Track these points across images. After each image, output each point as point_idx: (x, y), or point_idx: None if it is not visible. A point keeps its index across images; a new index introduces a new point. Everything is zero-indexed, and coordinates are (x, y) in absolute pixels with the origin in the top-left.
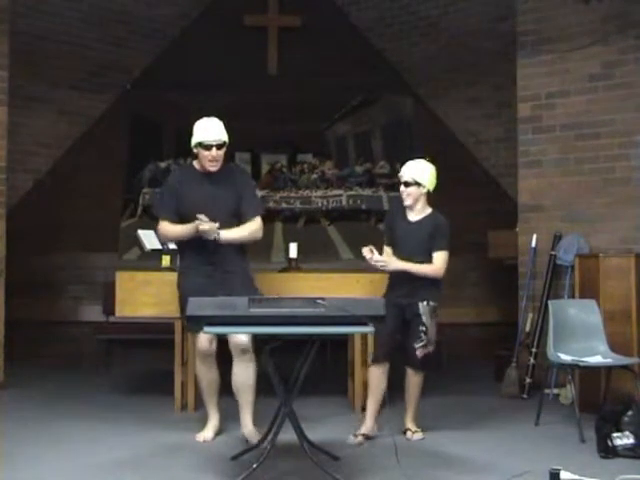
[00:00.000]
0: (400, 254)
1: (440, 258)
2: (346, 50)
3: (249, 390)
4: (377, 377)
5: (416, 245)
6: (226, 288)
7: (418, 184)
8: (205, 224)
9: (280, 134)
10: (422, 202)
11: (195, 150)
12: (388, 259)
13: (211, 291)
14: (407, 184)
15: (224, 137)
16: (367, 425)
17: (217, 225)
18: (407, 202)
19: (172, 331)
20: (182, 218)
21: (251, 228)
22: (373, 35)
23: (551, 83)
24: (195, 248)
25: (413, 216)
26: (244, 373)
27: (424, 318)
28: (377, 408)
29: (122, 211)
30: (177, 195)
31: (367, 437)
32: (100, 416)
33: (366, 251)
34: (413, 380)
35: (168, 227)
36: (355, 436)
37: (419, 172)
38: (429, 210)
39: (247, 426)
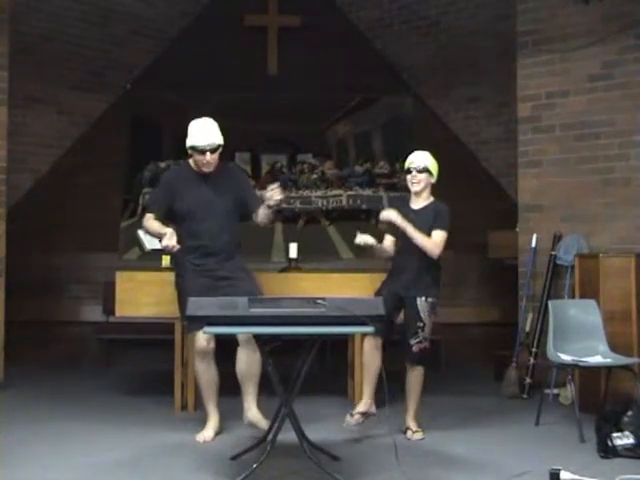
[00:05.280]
0: (403, 241)
1: (438, 235)
2: (346, 50)
3: (253, 377)
4: (370, 351)
5: (421, 231)
6: (225, 287)
7: (429, 171)
8: (165, 239)
9: (280, 134)
10: (428, 191)
11: (190, 152)
12: (396, 214)
13: (209, 290)
14: (419, 170)
15: (218, 140)
16: (364, 402)
17: (177, 246)
18: (416, 188)
19: (172, 331)
20: (177, 217)
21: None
22: (373, 35)
23: (551, 83)
24: (193, 248)
25: (417, 204)
26: (249, 360)
27: (422, 314)
28: (374, 385)
29: (122, 211)
30: (172, 194)
31: (365, 415)
32: (100, 416)
33: (367, 241)
34: (412, 376)
35: (147, 221)
36: (352, 415)
37: (429, 160)
38: (432, 199)
39: (251, 409)
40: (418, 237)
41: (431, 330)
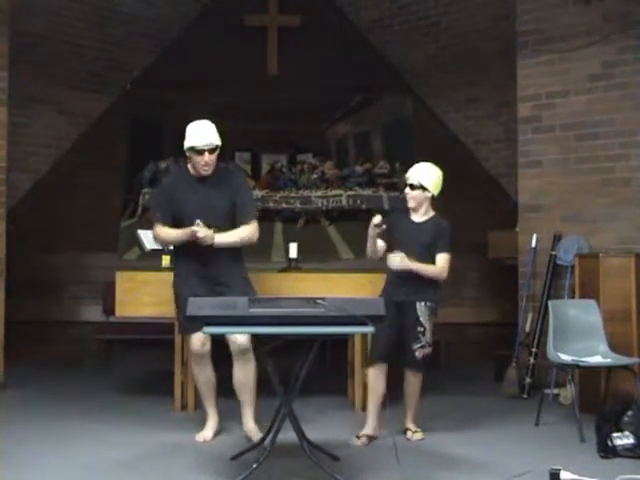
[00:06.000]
0: (402, 249)
1: (443, 260)
2: (346, 50)
3: (249, 389)
4: (375, 378)
5: (418, 246)
6: (221, 293)
7: (423, 188)
8: (201, 231)
9: (280, 134)
10: (426, 205)
11: (188, 154)
12: (401, 260)
13: (205, 294)
14: (412, 187)
15: (216, 141)
16: (370, 426)
17: (212, 231)
18: (410, 204)
19: (172, 331)
20: (177, 222)
21: (246, 232)
22: (373, 35)
23: (551, 83)
24: (190, 251)
25: (417, 217)
26: (243, 372)
27: (422, 319)
28: (378, 409)
29: (122, 211)
30: (171, 198)
31: (370, 438)
32: (100, 416)
33: (377, 219)
34: (412, 382)
35: (165, 231)
36: (358, 438)
37: (425, 176)
38: (432, 213)
39: (248, 424)
40: (425, 271)
41: (432, 334)
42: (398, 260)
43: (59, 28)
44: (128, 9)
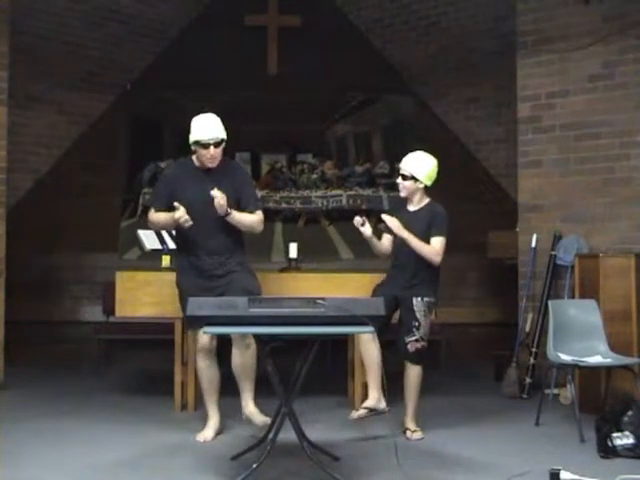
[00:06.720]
0: (401, 242)
1: (438, 242)
2: (346, 50)
3: (249, 371)
4: (367, 346)
5: (415, 233)
6: (222, 286)
7: (415, 179)
8: (179, 214)
9: (280, 134)
10: (419, 195)
11: (193, 148)
12: (397, 223)
13: (206, 290)
14: (404, 177)
15: (222, 135)
16: (372, 397)
17: (187, 217)
18: (402, 194)
19: (172, 331)
20: None
21: (255, 219)
22: (373, 35)
23: (551, 83)
24: (192, 245)
25: (412, 206)
26: (243, 357)
27: (417, 314)
28: (377, 378)
29: (122, 211)
30: (172, 189)
31: (373, 410)
32: (100, 416)
33: (357, 221)
34: (410, 373)
35: (153, 215)
36: (357, 410)
37: (417, 167)
38: (427, 200)
39: (248, 406)
40: (419, 246)
41: (428, 330)
42: (397, 223)
43: (59, 28)
44: (128, 9)
